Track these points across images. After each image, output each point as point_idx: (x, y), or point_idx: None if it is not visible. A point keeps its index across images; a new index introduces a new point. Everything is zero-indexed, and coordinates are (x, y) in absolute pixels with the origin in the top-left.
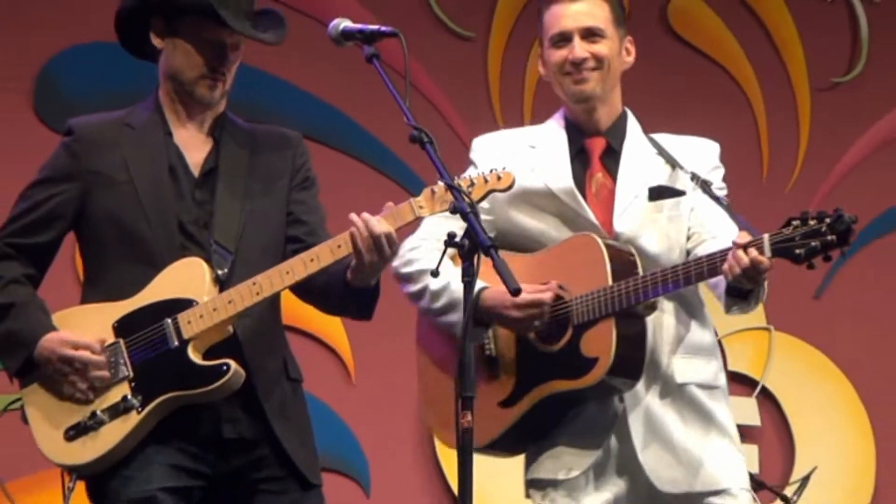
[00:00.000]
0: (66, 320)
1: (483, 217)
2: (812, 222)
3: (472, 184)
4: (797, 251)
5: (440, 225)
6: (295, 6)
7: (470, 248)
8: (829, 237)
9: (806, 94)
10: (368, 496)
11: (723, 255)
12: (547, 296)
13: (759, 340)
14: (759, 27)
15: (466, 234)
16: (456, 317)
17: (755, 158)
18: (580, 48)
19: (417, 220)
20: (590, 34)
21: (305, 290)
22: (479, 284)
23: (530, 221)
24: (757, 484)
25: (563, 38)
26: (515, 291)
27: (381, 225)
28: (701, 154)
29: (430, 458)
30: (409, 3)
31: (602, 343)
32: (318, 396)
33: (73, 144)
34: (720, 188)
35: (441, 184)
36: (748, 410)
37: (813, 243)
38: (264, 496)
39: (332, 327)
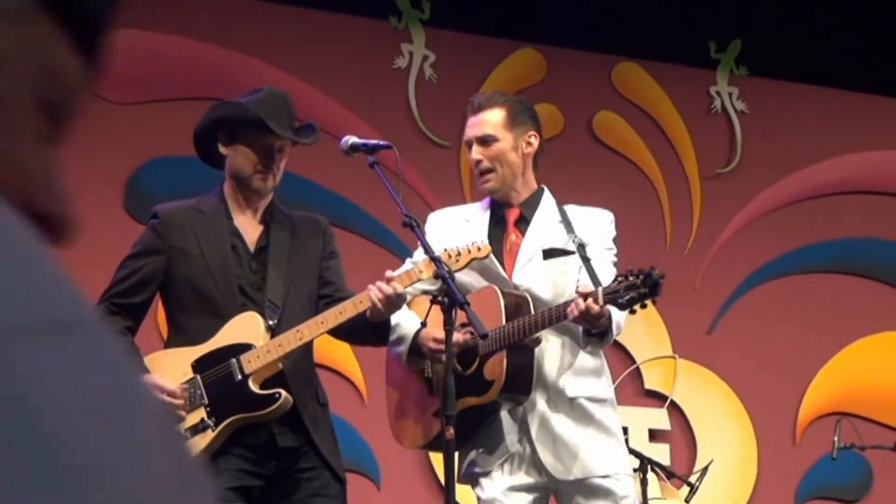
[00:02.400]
0: (157, 361)
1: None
2: (631, 278)
3: (459, 253)
4: (620, 300)
5: None
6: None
7: (449, 304)
8: (642, 289)
9: (697, 182)
10: (379, 489)
11: (568, 303)
12: (459, 336)
13: (667, 366)
14: (661, 135)
15: (446, 293)
16: (402, 348)
17: (660, 231)
18: (476, 153)
19: (419, 280)
20: (483, 141)
21: (338, 332)
22: (417, 325)
23: (459, 275)
24: (668, 473)
25: (469, 145)
26: (483, 336)
27: (392, 286)
28: (597, 221)
29: (425, 460)
30: (400, 121)
31: (497, 369)
32: (340, 416)
33: (158, 226)
34: (609, 248)
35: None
36: (661, 418)
37: (632, 294)
38: (304, 482)
39: (349, 364)
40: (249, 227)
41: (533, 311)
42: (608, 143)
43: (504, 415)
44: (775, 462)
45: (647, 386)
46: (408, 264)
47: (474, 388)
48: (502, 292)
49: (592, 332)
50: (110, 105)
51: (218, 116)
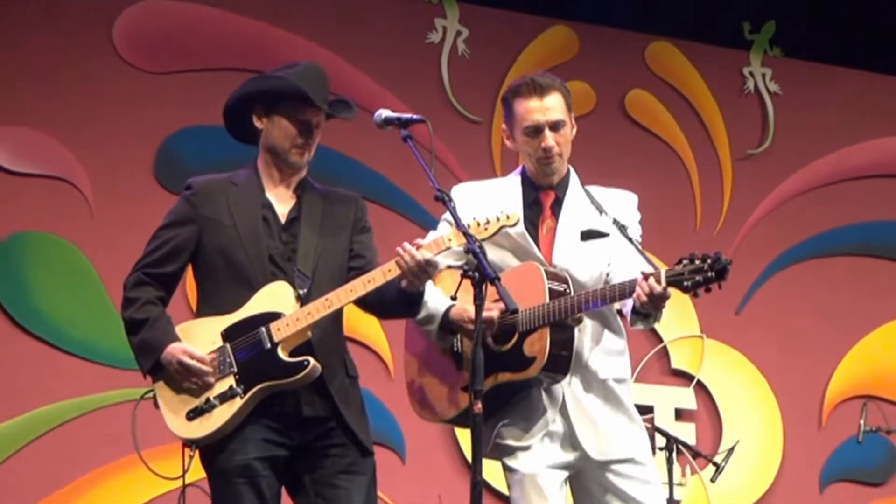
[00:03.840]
0: (188, 330)
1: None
2: (697, 262)
3: (488, 221)
4: (685, 283)
5: None
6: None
7: (479, 278)
8: (709, 273)
9: (728, 162)
10: (404, 462)
11: (631, 283)
12: (494, 314)
13: (695, 345)
14: (694, 114)
15: (476, 267)
16: (432, 326)
17: (690, 211)
18: (551, 139)
19: (448, 249)
20: (555, 127)
21: (365, 302)
22: (447, 302)
23: (490, 252)
24: (694, 453)
25: (536, 130)
26: (514, 311)
27: (421, 253)
28: (623, 203)
29: (450, 434)
30: (432, 96)
31: (539, 346)
32: (366, 388)
33: (192, 197)
34: (635, 230)
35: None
36: (687, 398)
37: (697, 277)
38: (331, 459)
39: (376, 337)
40: (281, 200)
41: (571, 290)
42: (640, 122)
43: (540, 391)
44: (800, 444)
45: (675, 365)
46: (433, 235)
47: (511, 363)
48: (545, 270)
49: (641, 311)
50: (143, 74)
51: (257, 88)
